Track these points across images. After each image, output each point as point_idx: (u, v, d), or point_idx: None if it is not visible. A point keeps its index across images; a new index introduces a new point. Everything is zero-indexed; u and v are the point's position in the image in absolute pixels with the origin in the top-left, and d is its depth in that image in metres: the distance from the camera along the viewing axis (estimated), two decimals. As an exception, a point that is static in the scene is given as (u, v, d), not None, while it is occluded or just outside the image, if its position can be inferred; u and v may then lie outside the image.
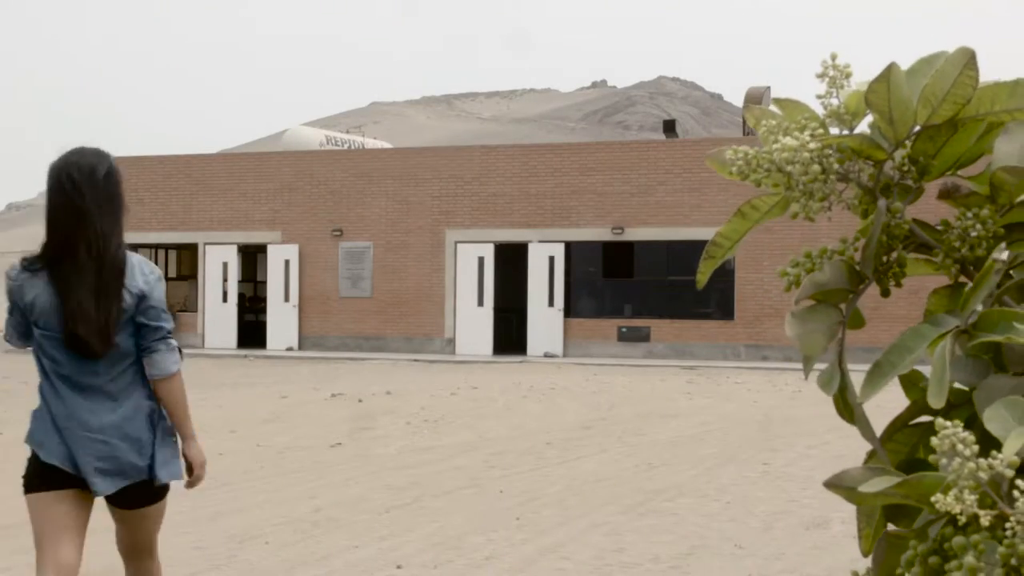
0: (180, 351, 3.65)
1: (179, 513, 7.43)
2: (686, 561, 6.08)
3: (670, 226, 23.83)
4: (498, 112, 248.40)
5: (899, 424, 1.13)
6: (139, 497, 3.56)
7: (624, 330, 24.17)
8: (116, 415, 3.48)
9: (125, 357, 3.51)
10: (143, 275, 3.61)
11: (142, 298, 3.54)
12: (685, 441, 10.96)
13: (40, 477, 3.52)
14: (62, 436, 3.47)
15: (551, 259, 24.49)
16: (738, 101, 34.39)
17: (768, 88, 26.60)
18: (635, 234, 24.17)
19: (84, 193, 3.59)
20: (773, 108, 1.14)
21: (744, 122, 26.70)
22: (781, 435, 11.29)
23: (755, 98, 25.21)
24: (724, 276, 23.64)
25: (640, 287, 24.44)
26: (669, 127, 29.89)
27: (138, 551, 3.71)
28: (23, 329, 3.57)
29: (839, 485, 0.99)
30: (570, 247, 24.59)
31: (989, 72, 1.05)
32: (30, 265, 3.52)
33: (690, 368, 21.29)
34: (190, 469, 3.64)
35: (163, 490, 3.63)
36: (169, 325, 3.60)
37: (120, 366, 3.51)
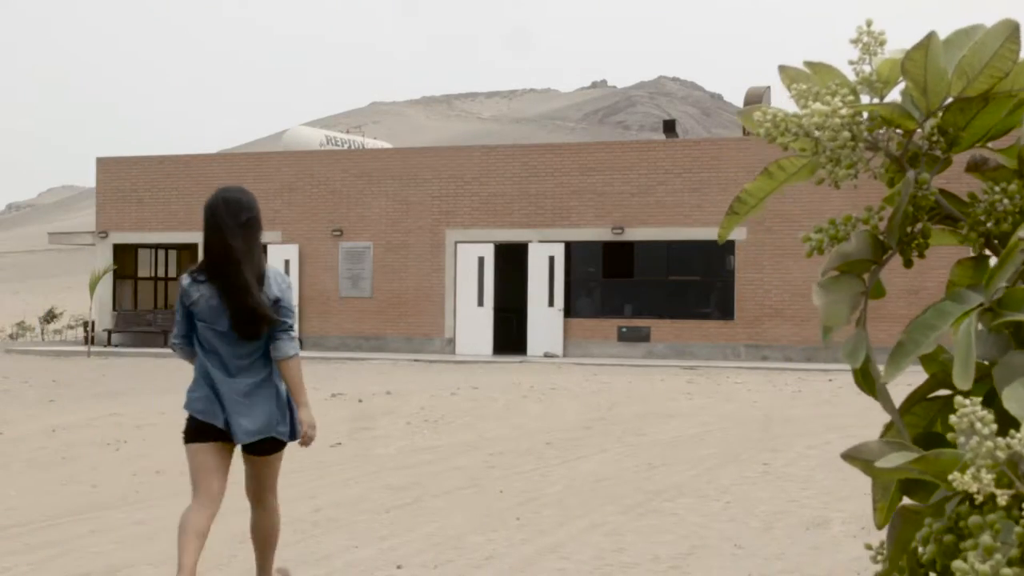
0: (300, 342, 5.13)
1: (179, 514, 7.43)
2: (686, 561, 6.07)
3: (670, 226, 23.82)
4: (498, 112, 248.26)
5: (917, 397, 1.13)
6: (266, 447, 4.83)
7: (624, 330, 24.16)
8: (252, 385, 4.70)
9: (261, 343, 4.74)
10: (277, 284, 4.78)
11: (276, 301, 4.73)
12: (685, 441, 10.95)
13: (196, 432, 4.77)
14: (216, 401, 4.71)
15: (551, 259, 24.48)
16: (738, 101, 34.46)
17: (768, 88, 26.59)
18: (635, 234, 24.16)
19: (231, 223, 4.71)
20: (806, 70, 1.13)
21: (744, 122, 26.69)
22: (781, 435, 11.28)
23: (755, 98, 25.20)
24: (724, 276, 23.64)
25: (640, 287, 24.43)
26: (669, 127, 29.87)
27: (263, 490, 5.05)
28: (186, 327, 4.79)
29: (857, 457, 0.99)
30: (570, 247, 24.58)
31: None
32: (197, 276, 4.76)
33: (690, 368, 21.28)
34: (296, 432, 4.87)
35: (282, 444, 4.88)
36: (292, 321, 4.78)
37: (257, 350, 4.74)
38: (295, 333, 4.78)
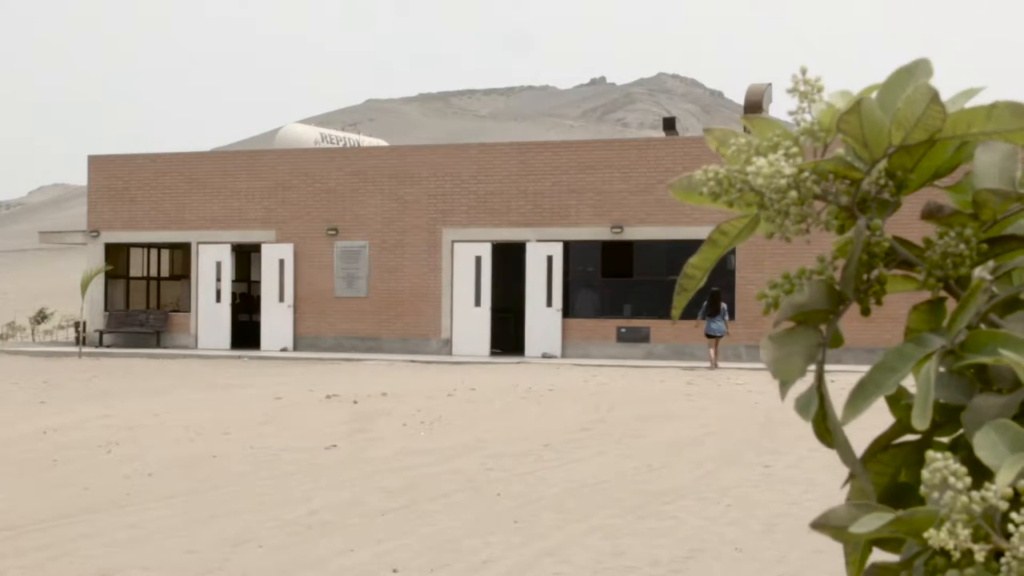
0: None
1: (172, 516, 7.34)
2: (686, 565, 5.99)
3: (670, 225, 23.73)
4: (496, 109, 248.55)
5: (883, 443, 1.11)
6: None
7: (623, 330, 24.07)
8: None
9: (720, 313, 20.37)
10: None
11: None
12: (685, 443, 10.87)
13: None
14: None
15: (549, 258, 24.39)
16: (739, 98, 34.48)
17: (769, 85, 26.51)
18: (634, 233, 24.08)
19: None
20: (739, 128, 1.15)
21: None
22: (782, 437, 11.19)
23: (756, 95, 25.12)
24: (724, 276, 23.55)
25: (639, 287, 24.35)
26: (669, 125, 29.78)
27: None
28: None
29: (827, 525, 0.99)
30: (568, 246, 24.49)
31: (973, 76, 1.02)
32: None
33: (690, 369, 21.21)
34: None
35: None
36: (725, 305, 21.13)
37: (719, 316, 20.18)
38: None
